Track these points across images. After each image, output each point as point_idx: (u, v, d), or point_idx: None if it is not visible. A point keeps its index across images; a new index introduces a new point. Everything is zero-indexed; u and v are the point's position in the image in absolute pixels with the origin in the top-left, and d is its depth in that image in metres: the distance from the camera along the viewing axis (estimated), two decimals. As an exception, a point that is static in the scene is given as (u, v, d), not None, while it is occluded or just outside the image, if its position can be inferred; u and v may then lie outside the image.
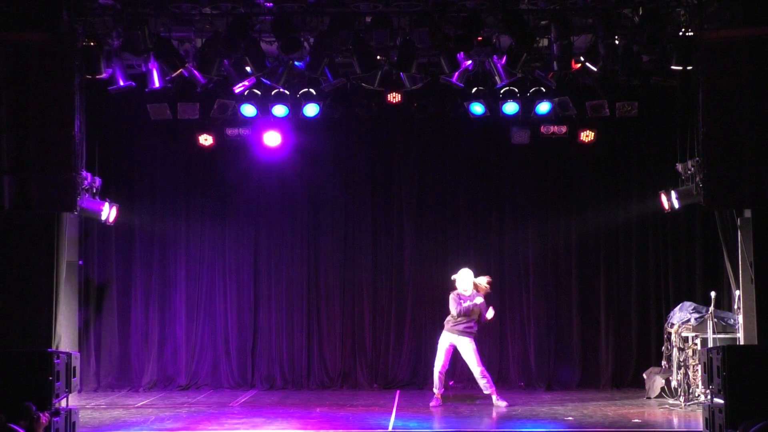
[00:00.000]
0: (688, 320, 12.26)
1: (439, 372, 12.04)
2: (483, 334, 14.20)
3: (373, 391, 13.91)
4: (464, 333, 11.98)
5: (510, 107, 12.84)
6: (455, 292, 12.08)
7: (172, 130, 13.66)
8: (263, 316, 14.39)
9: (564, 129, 13.24)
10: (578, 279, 14.30)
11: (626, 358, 14.11)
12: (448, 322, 12.05)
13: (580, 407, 11.96)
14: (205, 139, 13.49)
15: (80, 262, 14.00)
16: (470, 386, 13.98)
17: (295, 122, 13.39)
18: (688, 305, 12.67)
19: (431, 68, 12.27)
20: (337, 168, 14.54)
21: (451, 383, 14.06)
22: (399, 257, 14.40)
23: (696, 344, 11.92)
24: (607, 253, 14.31)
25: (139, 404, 12.59)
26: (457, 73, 11.75)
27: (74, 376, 9.73)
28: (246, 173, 14.39)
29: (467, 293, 12.03)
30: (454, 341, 12.01)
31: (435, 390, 12.09)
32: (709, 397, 10.04)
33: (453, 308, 11.95)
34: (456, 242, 14.44)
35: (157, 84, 11.92)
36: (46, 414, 8.44)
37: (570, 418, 11.07)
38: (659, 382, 12.61)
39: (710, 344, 11.65)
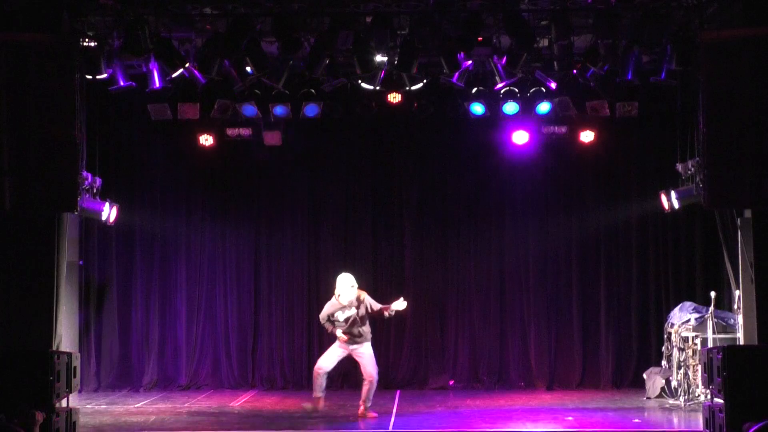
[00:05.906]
0: (688, 320, 12.27)
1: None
2: (483, 334, 14.27)
3: (374, 390, 13.91)
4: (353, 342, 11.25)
5: (510, 107, 12.84)
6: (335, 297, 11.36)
7: (173, 130, 13.65)
8: (264, 315, 14.39)
9: (564, 129, 13.24)
10: (578, 279, 14.30)
11: (626, 358, 14.11)
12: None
13: (581, 407, 11.96)
14: (206, 140, 13.50)
15: (81, 262, 14.01)
16: (470, 386, 14.02)
17: (295, 122, 13.39)
18: (688, 305, 12.68)
19: (431, 68, 12.25)
20: (337, 168, 14.53)
21: (451, 383, 14.08)
22: (399, 257, 14.39)
23: (696, 344, 11.92)
24: (607, 253, 14.30)
25: (140, 404, 12.59)
26: (457, 74, 11.73)
27: (75, 376, 9.72)
28: (246, 173, 14.40)
29: (343, 302, 11.23)
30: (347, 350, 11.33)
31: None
32: (709, 397, 10.05)
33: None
34: (456, 242, 14.44)
35: (157, 84, 11.90)
36: (42, 412, 8.43)
37: (570, 418, 11.07)
38: (659, 382, 12.61)
39: (710, 344, 11.66)
